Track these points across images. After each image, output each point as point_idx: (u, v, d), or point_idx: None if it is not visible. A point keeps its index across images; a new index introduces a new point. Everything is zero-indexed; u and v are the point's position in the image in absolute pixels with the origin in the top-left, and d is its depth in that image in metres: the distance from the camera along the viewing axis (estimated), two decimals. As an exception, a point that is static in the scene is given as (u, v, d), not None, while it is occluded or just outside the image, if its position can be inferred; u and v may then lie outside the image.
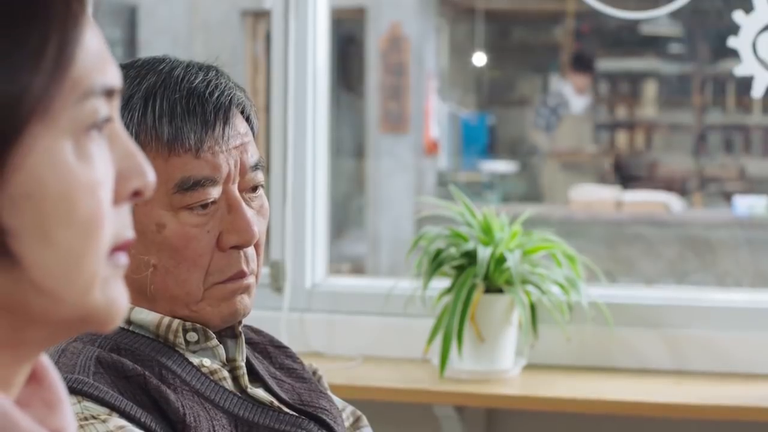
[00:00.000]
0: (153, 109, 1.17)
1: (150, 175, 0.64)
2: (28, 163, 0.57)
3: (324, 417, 1.25)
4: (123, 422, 1.07)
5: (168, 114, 1.17)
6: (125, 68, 1.21)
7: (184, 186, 1.17)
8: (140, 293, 1.18)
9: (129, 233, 0.64)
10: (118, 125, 0.63)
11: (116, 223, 0.63)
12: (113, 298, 0.62)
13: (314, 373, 1.38)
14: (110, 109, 0.62)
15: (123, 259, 0.63)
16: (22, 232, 0.57)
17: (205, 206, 1.18)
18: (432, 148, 7.28)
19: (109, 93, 0.62)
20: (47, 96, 0.58)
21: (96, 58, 0.61)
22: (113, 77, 0.62)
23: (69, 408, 0.65)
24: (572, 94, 7.16)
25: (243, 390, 1.21)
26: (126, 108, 1.16)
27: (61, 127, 0.59)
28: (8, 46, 0.56)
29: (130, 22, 7.39)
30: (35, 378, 0.64)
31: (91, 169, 0.60)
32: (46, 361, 0.65)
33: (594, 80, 7.18)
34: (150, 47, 7.08)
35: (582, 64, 7.15)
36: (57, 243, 0.59)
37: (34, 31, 0.57)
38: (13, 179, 0.57)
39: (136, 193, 0.64)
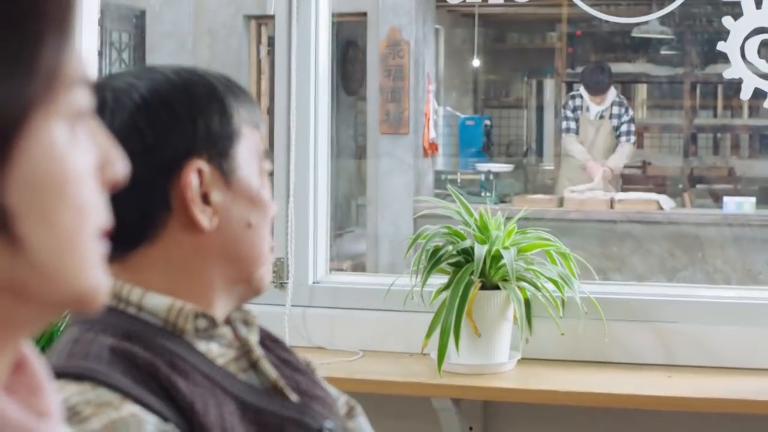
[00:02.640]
0: (241, 91, 1.27)
1: (123, 166, 0.67)
2: (30, 148, 0.60)
3: (319, 406, 1.29)
4: (136, 409, 1.10)
5: (248, 96, 1.29)
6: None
7: (266, 154, 1.29)
8: (227, 257, 1.24)
9: (108, 221, 0.66)
10: (92, 117, 0.66)
11: (101, 209, 0.65)
12: (100, 282, 0.65)
13: (308, 365, 1.41)
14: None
15: (104, 245, 0.66)
16: (24, 213, 0.60)
17: None
18: (430, 149, 7.32)
19: (88, 84, 0.65)
20: (49, 85, 0.60)
21: (76, 52, 0.63)
22: (89, 70, 0.65)
23: (52, 391, 0.66)
24: (589, 101, 7.18)
25: (254, 364, 1.25)
26: (231, 90, 1.26)
27: (58, 114, 0.61)
28: (16, 38, 0.59)
29: (136, 26, 7.42)
30: (18, 365, 0.66)
31: (84, 154, 0.63)
32: (27, 346, 0.67)
33: (606, 96, 7.14)
34: (156, 51, 7.10)
35: (594, 90, 7.14)
36: (57, 225, 0.61)
37: (38, 23, 0.59)
38: (17, 163, 0.59)
39: (112, 183, 0.66)
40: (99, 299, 0.65)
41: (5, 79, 0.58)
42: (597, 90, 7.09)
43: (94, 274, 0.64)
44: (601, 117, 7.11)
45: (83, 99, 0.63)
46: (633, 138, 7.17)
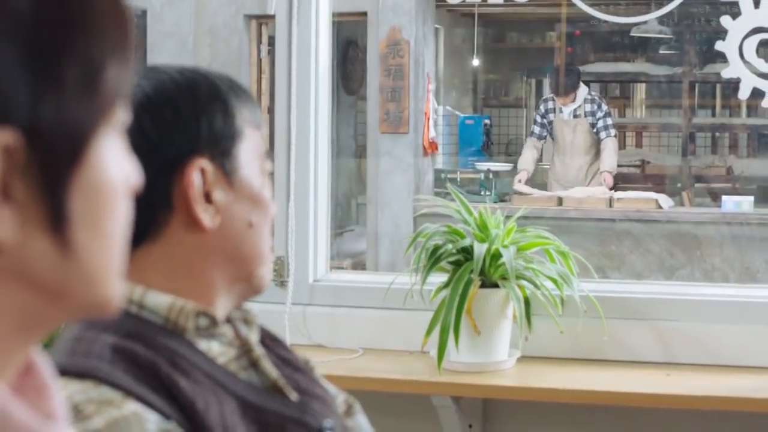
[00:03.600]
0: (243, 92, 1.29)
1: (139, 176, 0.71)
2: (92, 159, 0.64)
3: (319, 404, 1.30)
4: (137, 407, 1.10)
5: (250, 96, 1.30)
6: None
7: (267, 154, 1.30)
8: (228, 257, 1.25)
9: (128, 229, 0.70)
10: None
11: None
12: (119, 289, 0.68)
13: (306, 363, 1.42)
14: None
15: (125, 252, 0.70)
16: (80, 220, 0.64)
17: None
18: (430, 148, 7.35)
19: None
20: (110, 103, 0.65)
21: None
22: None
23: (58, 393, 0.68)
24: (560, 103, 7.28)
25: (254, 363, 1.25)
26: (233, 90, 1.27)
27: (111, 125, 0.66)
28: (87, 64, 0.63)
29: (137, 25, 7.40)
30: (25, 366, 0.67)
31: (126, 165, 0.67)
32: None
33: (576, 95, 7.24)
34: (157, 51, 7.10)
35: (562, 91, 7.25)
36: (102, 232, 0.65)
37: (104, 50, 0.64)
38: (81, 173, 0.64)
39: (131, 192, 0.70)
40: (117, 306, 0.68)
41: (77, 100, 0.63)
42: (560, 92, 7.20)
43: (118, 282, 0.67)
44: (576, 116, 7.19)
45: (124, 114, 0.67)
46: (613, 131, 7.23)
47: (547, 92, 9.37)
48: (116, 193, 0.66)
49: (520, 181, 7.09)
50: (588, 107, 7.18)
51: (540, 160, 7.48)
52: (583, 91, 7.25)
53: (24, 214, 0.62)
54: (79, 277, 0.64)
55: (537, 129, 7.36)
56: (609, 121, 7.21)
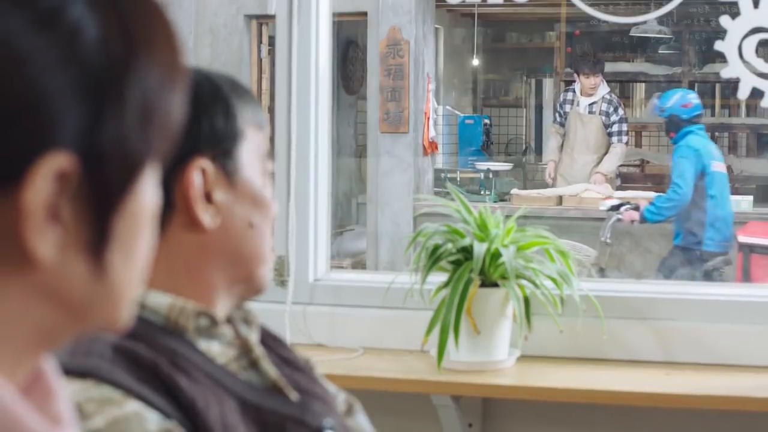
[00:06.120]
0: (245, 92, 1.29)
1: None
2: (139, 188, 0.66)
3: (319, 404, 1.30)
4: (138, 406, 1.11)
5: (252, 97, 1.31)
6: None
7: (269, 154, 1.31)
8: (229, 257, 1.26)
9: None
10: None
11: None
12: (132, 309, 0.69)
13: (307, 363, 1.42)
14: None
15: None
16: (117, 245, 0.65)
17: None
18: (430, 148, 7.35)
19: None
20: (165, 127, 0.67)
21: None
22: None
23: (65, 396, 0.69)
24: (580, 94, 7.22)
25: (254, 363, 1.26)
26: (235, 90, 1.27)
27: (160, 153, 0.68)
28: (150, 84, 0.65)
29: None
30: (33, 370, 0.68)
31: (156, 191, 0.69)
32: None
33: (599, 85, 7.18)
34: (157, 51, 7.14)
35: (588, 72, 7.18)
36: (135, 258, 0.67)
37: (163, 70, 0.66)
38: (129, 199, 0.65)
39: None
40: (127, 324, 0.69)
41: (135, 127, 0.64)
42: (591, 72, 7.10)
43: (132, 303, 0.69)
44: (591, 112, 7.15)
45: (171, 143, 0.69)
46: (626, 138, 7.21)
47: (547, 90, 9.39)
48: (149, 219, 0.67)
49: (550, 175, 7.09)
50: (604, 106, 7.14)
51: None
52: (603, 88, 7.21)
53: (67, 235, 0.62)
54: (104, 298, 0.66)
55: (558, 117, 7.33)
56: (624, 127, 7.17)
